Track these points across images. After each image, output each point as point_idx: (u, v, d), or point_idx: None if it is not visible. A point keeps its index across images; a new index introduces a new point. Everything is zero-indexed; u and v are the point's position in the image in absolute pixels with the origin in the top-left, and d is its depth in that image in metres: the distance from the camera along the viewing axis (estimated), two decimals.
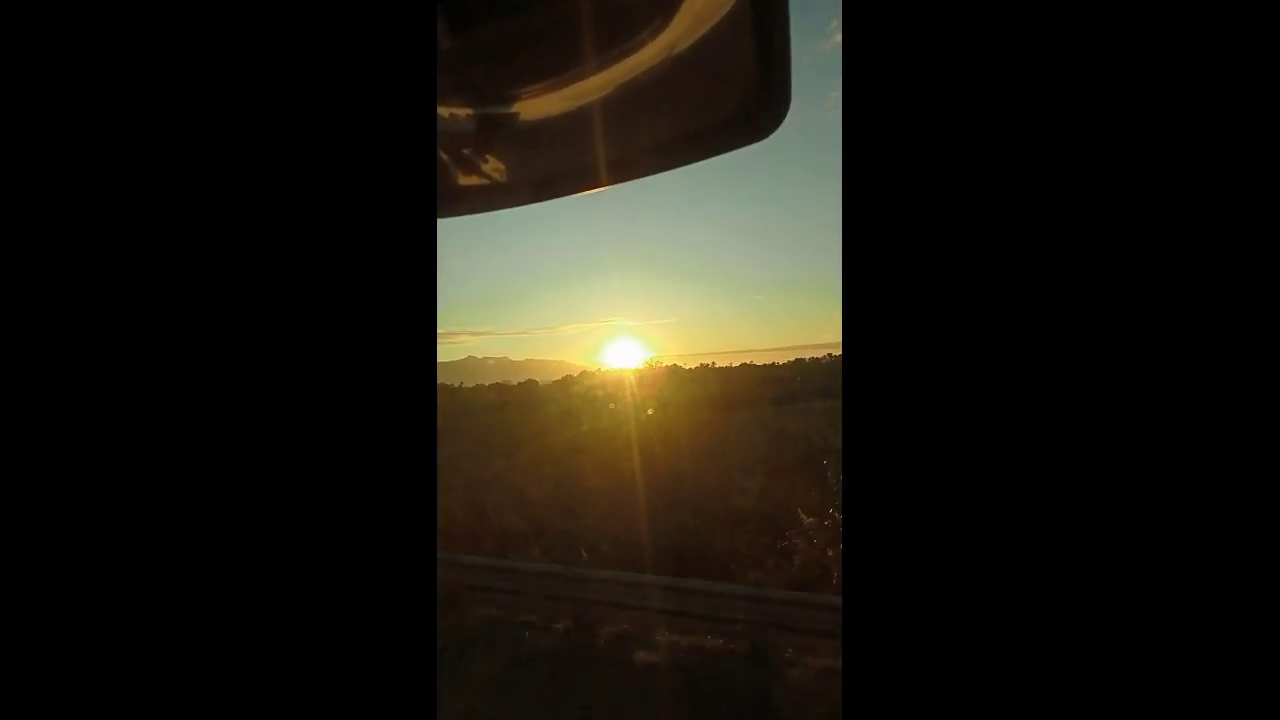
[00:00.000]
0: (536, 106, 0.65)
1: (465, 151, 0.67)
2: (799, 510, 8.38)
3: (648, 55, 0.59)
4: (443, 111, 0.65)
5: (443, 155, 0.68)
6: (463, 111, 0.65)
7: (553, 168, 0.69)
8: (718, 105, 0.60)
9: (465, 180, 0.68)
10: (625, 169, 0.64)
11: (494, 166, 0.68)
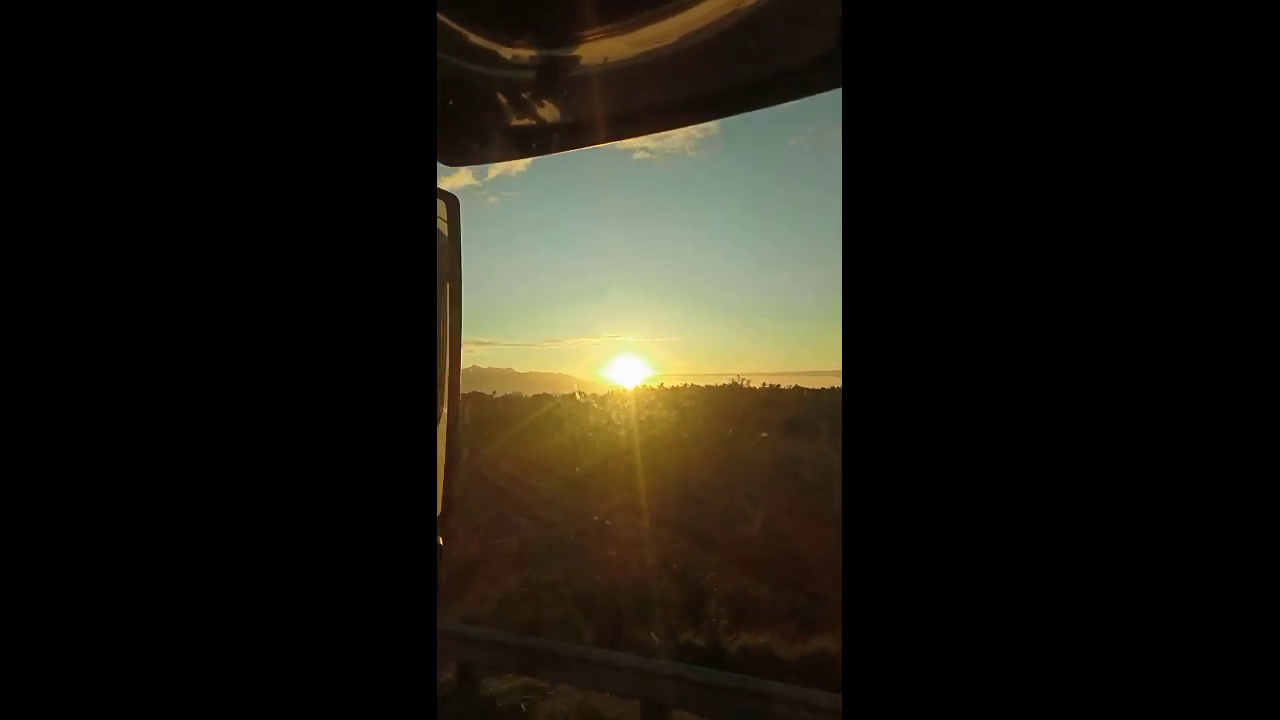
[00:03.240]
0: (601, 49, 0.63)
1: (524, 95, 0.65)
2: None
3: (714, 6, 0.57)
4: (505, 50, 0.64)
5: (501, 98, 0.67)
6: (525, 53, 0.64)
7: (608, 113, 0.66)
8: (795, 50, 0.57)
9: (519, 122, 0.66)
10: (683, 115, 0.61)
11: (549, 111, 0.66)
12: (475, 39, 0.63)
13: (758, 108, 0.58)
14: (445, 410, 1.15)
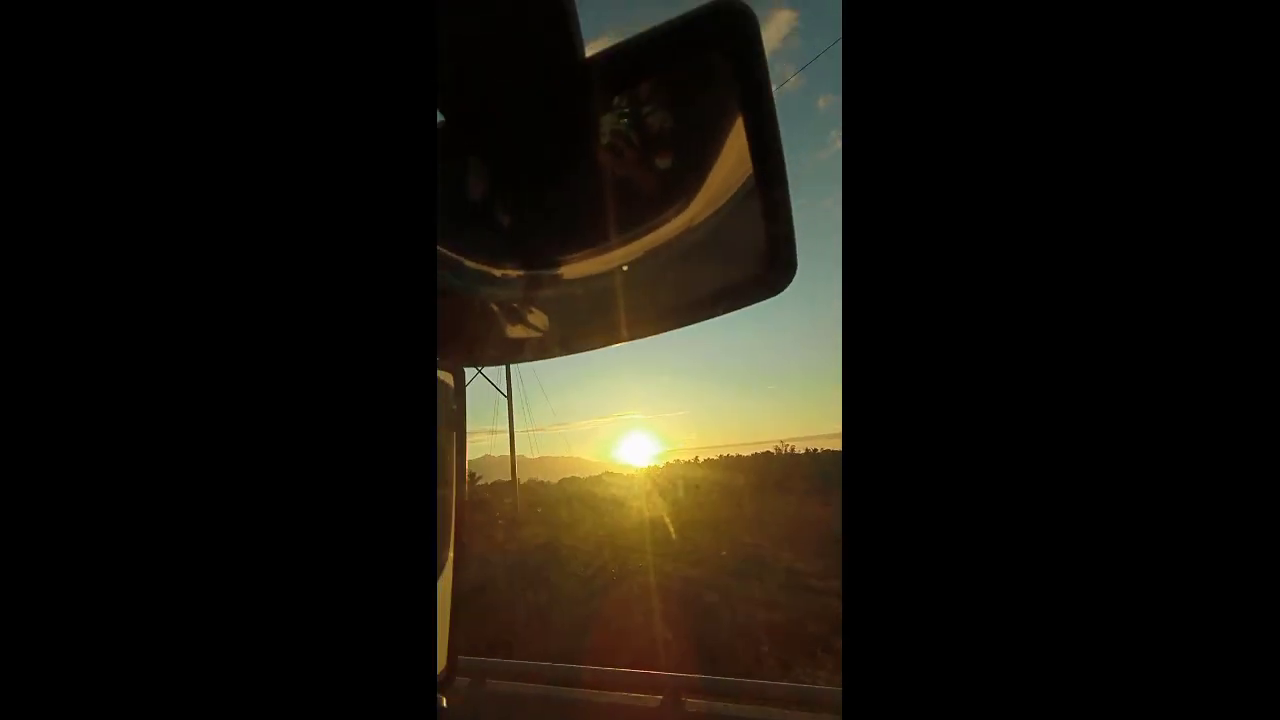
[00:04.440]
0: (577, 269, 0.73)
1: (514, 305, 0.76)
2: None
3: (670, 230, 0.67)
4: (496, 271, 0.75)
5: (494, 307, 0.77)
6: (514, 272, 0.75)
7: (589, 323, 0.76)
8: (732, 270, 0.66)
9: (513, 332, 0.76)
10: (652, 324, 0.70)
11: (538, 319, 0.76)
12: (470, 264, 0.74)
13: (705, 318, 0.67)
14: (451, 555, 1.20)
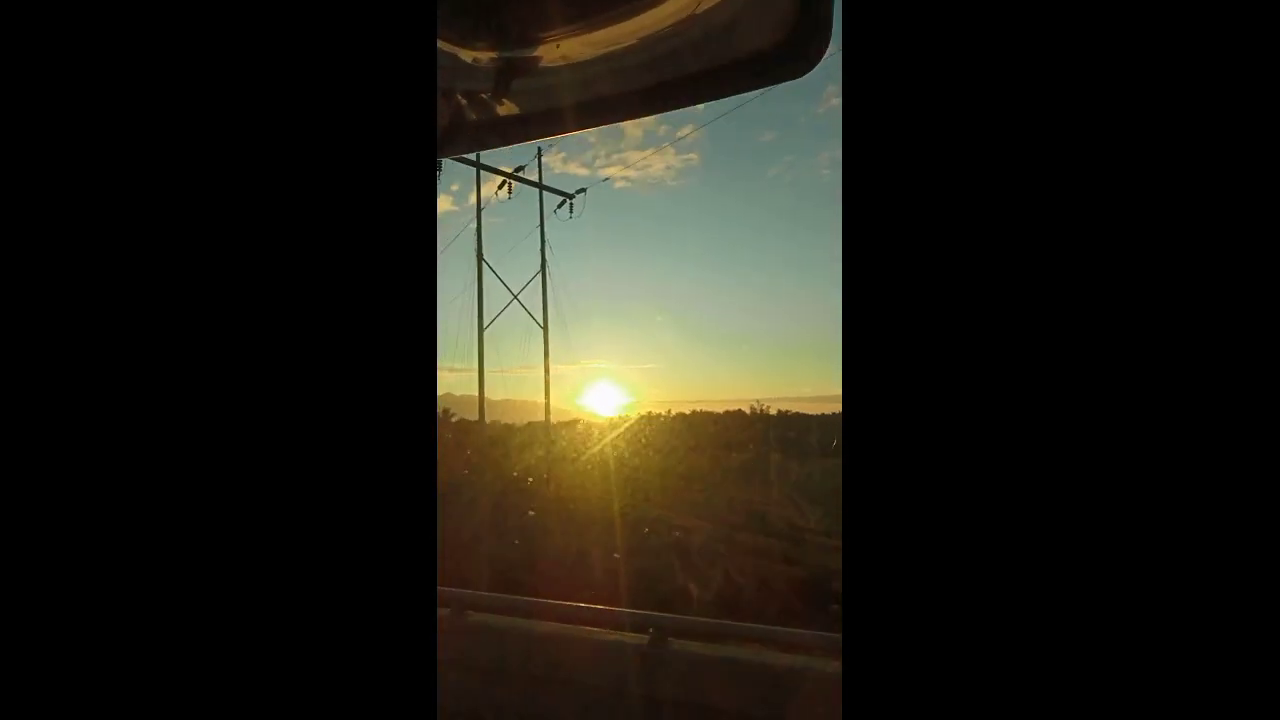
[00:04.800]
0: (559, 51, 0.63)
1: (484, 95, 0.65)
2: None
3: (675, 8, 0.57)
4: (465, 55, 0.65)
5: (461, 100, 0.67)
6: (484, 55, 0.64)
7: (568, 104, 0.66)
8: (751, 41, 0.56)
9: (478, 117, 0.66)
10: (648, 104, 0.61)
11: (508, 109, 0.66)
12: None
13: (714, 98, 0.58)
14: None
